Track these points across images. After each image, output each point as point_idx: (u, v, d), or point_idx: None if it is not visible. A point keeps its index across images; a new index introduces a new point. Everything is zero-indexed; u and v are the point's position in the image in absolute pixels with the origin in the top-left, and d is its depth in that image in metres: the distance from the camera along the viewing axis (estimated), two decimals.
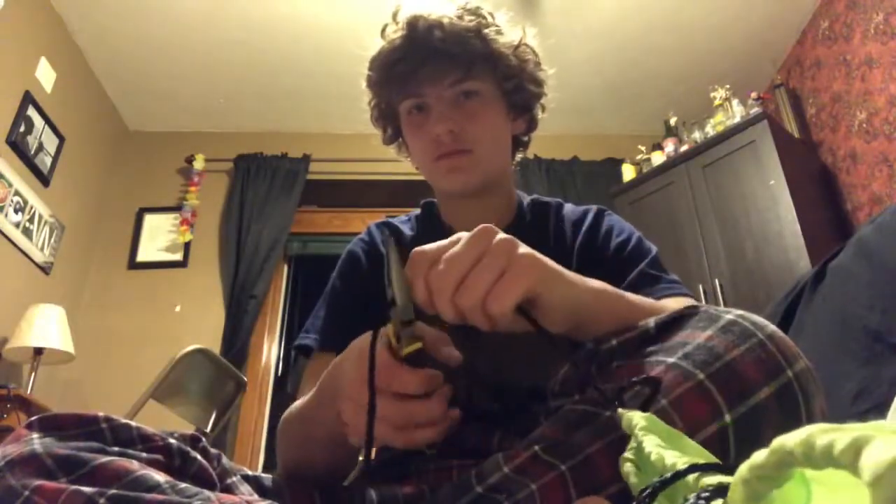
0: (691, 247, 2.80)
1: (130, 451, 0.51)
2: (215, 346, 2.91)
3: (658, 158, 3.14)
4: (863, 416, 0.85)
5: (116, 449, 0.51)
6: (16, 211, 2.62)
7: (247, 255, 3.19)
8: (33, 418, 0.53)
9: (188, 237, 3.28)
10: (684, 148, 3.02)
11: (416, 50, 0.81)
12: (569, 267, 0.77)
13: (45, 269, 2.82)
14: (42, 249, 2.80)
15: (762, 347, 0.43)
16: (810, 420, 0.42)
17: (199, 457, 0.55)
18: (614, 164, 3.46)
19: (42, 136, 2.81)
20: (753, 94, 2.97)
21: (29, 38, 2.73)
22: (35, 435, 0.51)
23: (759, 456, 0.23)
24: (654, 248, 0.86)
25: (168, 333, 3.03)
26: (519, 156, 0.97)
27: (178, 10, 2.89)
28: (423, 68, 0.82)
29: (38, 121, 2.77)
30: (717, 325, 0.45)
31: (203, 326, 3.09)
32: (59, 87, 2.91)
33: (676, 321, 0.48)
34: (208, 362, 2.10)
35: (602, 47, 3.18)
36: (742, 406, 0.41)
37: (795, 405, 0.42)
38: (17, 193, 2.62)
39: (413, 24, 0.82)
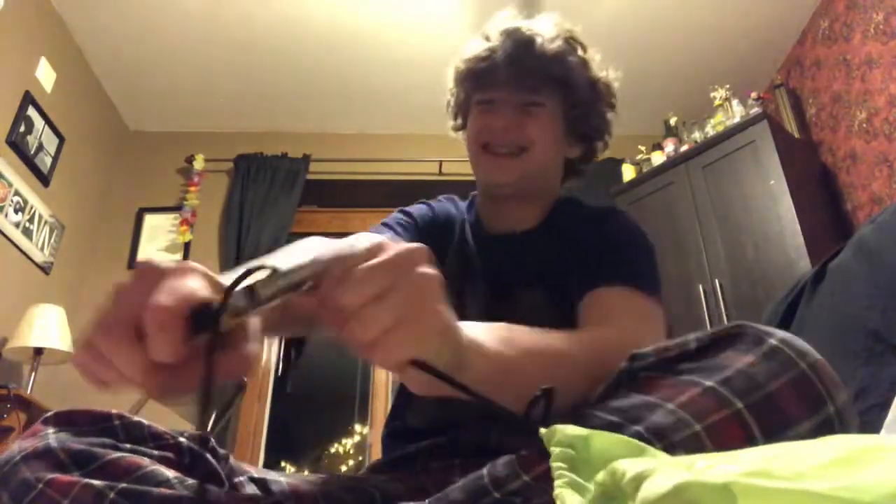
0: (691, 247, 2.80)
1: (142, 448, 0.52)
2: None
3: (658, 158, 3.14)
4: (863, 416, 0.85)
5: (128, 446, 0.52)
6: (16, 211, 2.62)
7: (247, 255, 3.19)
8: (49, 414, 0.54)
9: (188, 237, 3.28)
10: (684, 148, 3.02)
11: (500, 55, 0.91)
12: (575, 267, 0.77)
13: (45, 269, 2.82)
14: (42, 249, 2.80)
15: (805, 379, 0.41)
16: None
17: (208, 456, 0.56)
18: (614, 164, 3.46)
19: (42, 136, 2.81)
20: (753, 94, 2.97)
21: (29, 38, 2.73)
22: (50, 430, 0.52)
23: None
24: (638, 257, 0.86)
25: None
26: (572, 182, 1.03)
27: (179, 10, 2.89)
28: (501, 73, 0.91)
29: (38, 121, 2.77)
30: (761, 349, 0.43)
31: None
32: (59, 87, 2.91)
33: (718, 341, 0.46)
34: None
35: (602, 47, 3.17)
36: (777, 439, 0.39)
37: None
38: (17, 193, 2.62)
39: (509, 33, 0.91)
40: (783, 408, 0.40)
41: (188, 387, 0.42)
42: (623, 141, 3.50)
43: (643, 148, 3.28)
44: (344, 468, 3.61)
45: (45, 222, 2.83)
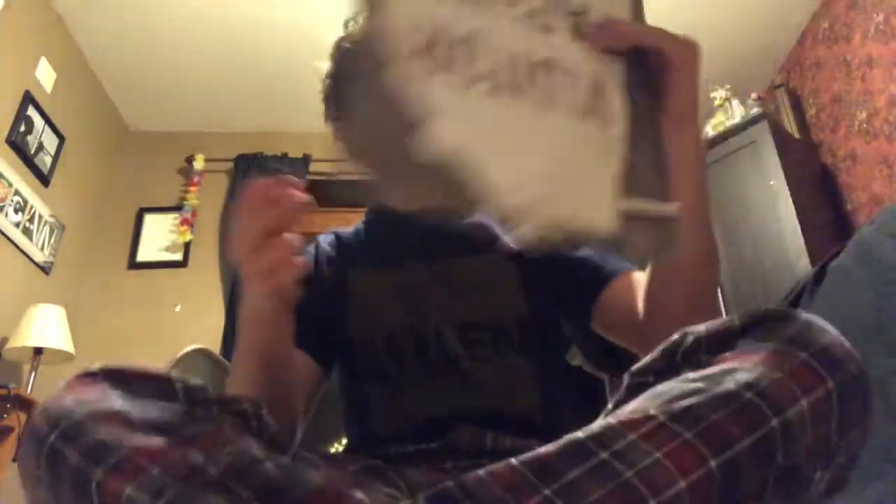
0: None
1: (216, 414, 0.49)
2: (215, 346, 2.91)
3: None
4: None
5: (201, 412, 0.49)
6: (16, 211, 2.62)
7: None
8: (94, 367, 0.50)
9: (188, 237, 3.28)
10: None
11: None
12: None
13: (45, 269, 2.82)
14: (42, 249, 2.80)
15: (841, 340, 0.49)
16: (871, 399, 0.49)
17: (271, 420, 0.53)
18: None
19: (42, 136, 2.81)
20: (753, 95, 2.97)
21: (29, 38, 2.73)
22: (106, 385, 0.48)
23: None
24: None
25: (168, 333, 3.03)
26: None
27: (179, 10, 2.89)
28: None
29: (38, 121, 2.77)
30: (797, 323, 0.50)
31: (203, 326, 3.09)
32: (59, 87, 2.91)
33: (758, 320, 0.52)
34: (208, 362, 2.09)
35: None
36: (839, 376, 0.46)
37: (868, 385, 0.48)
38: (17, 193, 2.62)
39: None
40: (836, 356, 0.47)
41: None
42: None
43: None
44: None
45: (45, 222, 2.83)
